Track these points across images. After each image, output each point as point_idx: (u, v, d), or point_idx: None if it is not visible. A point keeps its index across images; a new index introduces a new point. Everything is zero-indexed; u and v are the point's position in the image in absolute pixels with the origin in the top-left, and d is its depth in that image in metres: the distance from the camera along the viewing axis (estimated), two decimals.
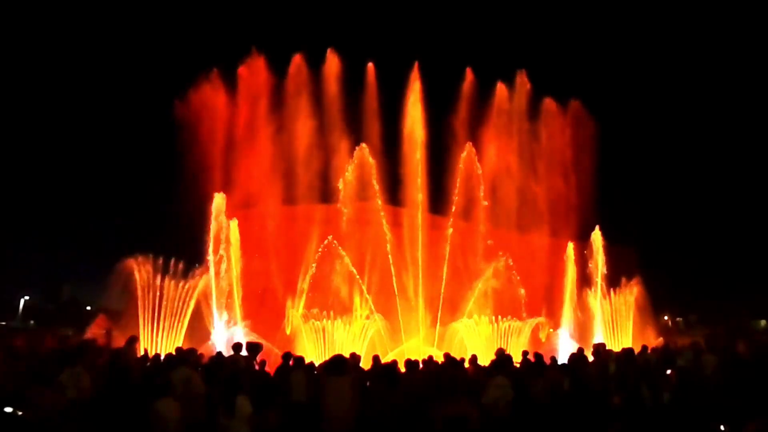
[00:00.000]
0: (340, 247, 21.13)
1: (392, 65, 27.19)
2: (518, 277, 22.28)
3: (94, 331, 15.81)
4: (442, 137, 24.70)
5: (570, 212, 25.22)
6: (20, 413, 6.51)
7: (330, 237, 21.35)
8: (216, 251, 19.21)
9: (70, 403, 7.44)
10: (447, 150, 24.49)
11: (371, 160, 22.57)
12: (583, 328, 21.79)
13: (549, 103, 26.59)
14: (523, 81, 26.52)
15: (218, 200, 19.65)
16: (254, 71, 24.33)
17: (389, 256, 22.31)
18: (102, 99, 59.18)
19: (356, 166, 22.41)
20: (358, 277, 21.27)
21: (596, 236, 22.65)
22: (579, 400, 9.19)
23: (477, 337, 20.12)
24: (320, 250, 21.48)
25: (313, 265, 21.33)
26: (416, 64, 25.18)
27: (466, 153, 23.60)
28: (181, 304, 17.94)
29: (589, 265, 22.45)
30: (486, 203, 23.46)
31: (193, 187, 20.58)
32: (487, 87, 25.99)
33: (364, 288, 21.28)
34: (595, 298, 21.81)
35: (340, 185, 21.99)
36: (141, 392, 7.98)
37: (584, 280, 22.43)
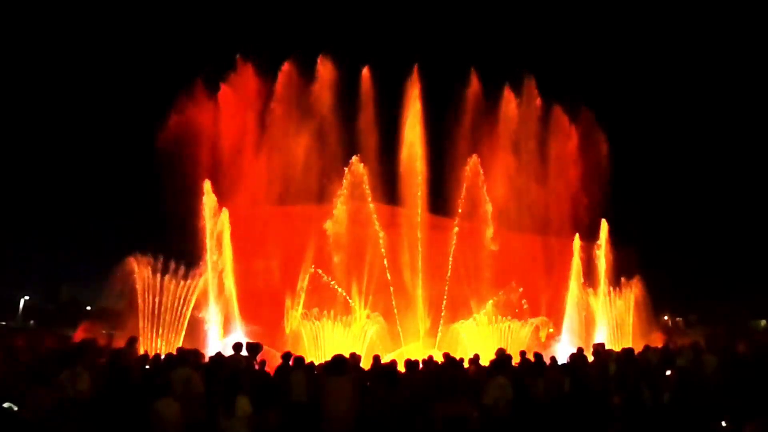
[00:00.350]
0: (325, 275, 20.99)
1: (390, 67, 26.94)
2: (526, 306, 22.15)
3: (80, 336, 15.63)
4: (442, 136, 24.56)
5: (571, 213, 25.23)
6: (17, 409, 6.52)
7: (312, 268, 21.16)
8: (212, 245, 19.16)
9: (70, 403, 7.44)
10: (449, 152, 24.36)
11: (362, 169, 22.04)
12: (584, 328, 21.75)
13: (551, 107, 26.59)
14: (530, 87, 26.38)
15: (207, 188, 19.42)
16: (245, 79, 24.00)
17: (384, 259, 22.20)
18: (101, 99, 59.15)
19: (350, 183, 21.97)
20: (351, 301, 21.06)
21: (603, 229, 22.56)
22: (579, 400, 9.19)
23: (477, 338, 20.11)
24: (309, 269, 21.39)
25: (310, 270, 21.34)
26: (416, 67, 24.89)
27: (472, 163, 23.12)
28: (180, 304, 17.93)
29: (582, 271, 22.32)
30: (494, 237, 22.79)
31: (189, 191, 20.47)
32: (490, 87, 25.86)
33: (357, 302, 21.19)
34: (597, 295, 21.75)
35: (329, 228, 21.21)
36: (141, 392, 7.98)
37: (586, 280, 22.38)
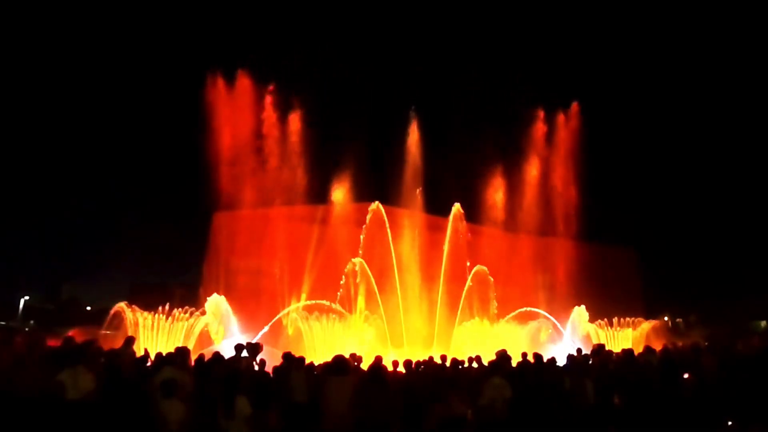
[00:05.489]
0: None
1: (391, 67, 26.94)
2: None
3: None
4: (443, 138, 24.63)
5: (571, 213, 25.28)
6: None
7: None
8: None
9: (71, 404, 7.41)
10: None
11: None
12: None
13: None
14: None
15: None
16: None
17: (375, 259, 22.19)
18: (103, 100, 59.13)
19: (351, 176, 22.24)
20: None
21: None
22: (578, 400, 9.18)
23: (477, 338, 20.11)
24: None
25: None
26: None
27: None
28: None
29: None
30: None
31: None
32: (489, 88, 25.94)
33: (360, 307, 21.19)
34: None
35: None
36: (138, 392, 7.94)
37: (589, 281, 22.42)
